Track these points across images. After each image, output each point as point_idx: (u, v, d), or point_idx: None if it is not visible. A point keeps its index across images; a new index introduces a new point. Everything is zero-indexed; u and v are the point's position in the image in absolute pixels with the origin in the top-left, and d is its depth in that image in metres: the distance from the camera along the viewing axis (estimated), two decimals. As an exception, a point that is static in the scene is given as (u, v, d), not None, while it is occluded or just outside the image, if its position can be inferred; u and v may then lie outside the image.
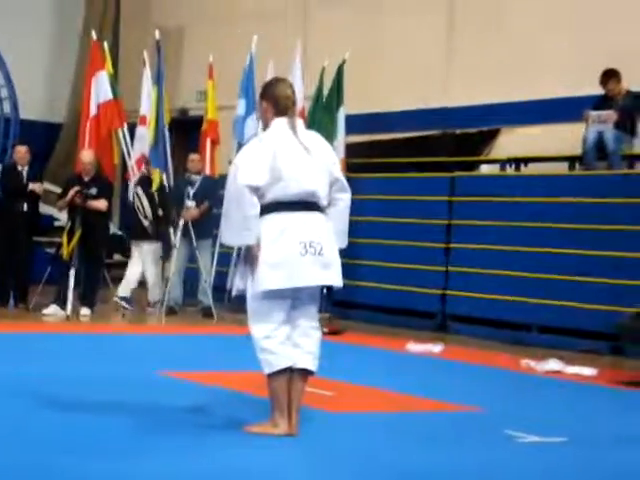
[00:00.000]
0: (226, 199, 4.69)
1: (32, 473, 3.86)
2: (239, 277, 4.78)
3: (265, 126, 4.85)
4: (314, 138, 4.83)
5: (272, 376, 4.65)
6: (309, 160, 4.68)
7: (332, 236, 4.73)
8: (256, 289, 4.62)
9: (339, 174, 4.83)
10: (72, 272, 9.57)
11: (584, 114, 9.51)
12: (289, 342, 4.67)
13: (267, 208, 4.62)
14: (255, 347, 4.68)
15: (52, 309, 9.71)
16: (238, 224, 4.61)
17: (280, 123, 4.74)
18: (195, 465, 4.11)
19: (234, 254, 10.68)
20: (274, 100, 4.75)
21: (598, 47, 10.04)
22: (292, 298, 4.67)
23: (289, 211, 4.62)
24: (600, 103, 9.59)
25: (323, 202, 4.73)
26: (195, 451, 4.36)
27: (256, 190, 4.57)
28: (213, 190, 10.63)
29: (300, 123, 4.78)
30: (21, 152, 10.49)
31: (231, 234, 4.73)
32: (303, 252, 4.58)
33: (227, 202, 4.69)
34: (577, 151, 9.73)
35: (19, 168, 10.41)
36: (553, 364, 7.62)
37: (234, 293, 4.90)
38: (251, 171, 4.58)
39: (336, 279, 4.74)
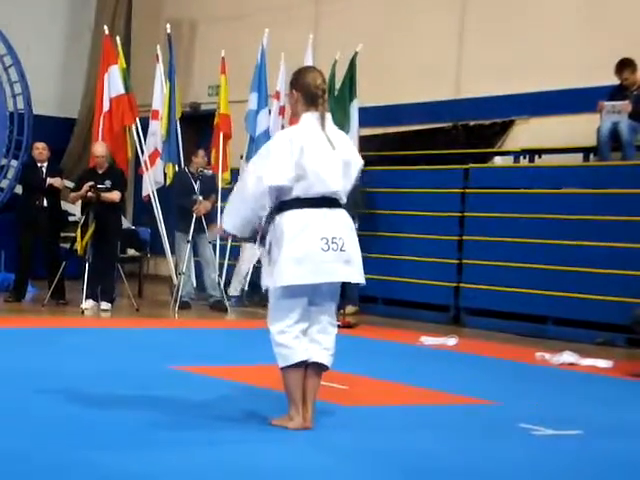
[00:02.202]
0: (240, 190, 4.68)
1: (50, 467, 3.87)
2: (264, 274, 4.75)
3: (294, 114, 4.84)
4: (341, 136, 4.81)
5: (286, 370, 4.66)
6: (334, 158, 4.66)
7: (354, 232, 4.73)
8: (277, 284, 4.61)
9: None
10: (86, 267, 9.64)
11: (598, 105, 9.46)
12: (305, 337, 4.68)
13: (289, 204, 4.61)
14: (271, 341, 4.70)
15: (89, 303, 9.80)
16: (245, 218, 4.66)
17: (309, 118, 4.71)
18: (208, 459, 4.11)
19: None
20: (304, 89, 4.72)
21: (613, 37, 9.99)
22: (311, 294, 4.67)
23: (311, 207, 4.61)
24: (615, 94, 9.53)
25: (345, 199, 4.74)
26: (209, 445, 4.35)
27: (280, 190, 4.56)
28: (215, 184, 10.79)
29: (329, 118, 4.75)
30: (39, 148, 10.54)
31: (234, 224, 4.76)
32: (325, 248, 4.57)
33: (240, 193, 4.68)
34: (591, 142, 9.68)
35: (38, 164, 10.48)
36: (568, 357, 7.59)
37: (264, 289, 4.83)
38: (277, 171, 4.55)
39: (357, 276, 4.73)
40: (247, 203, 4.64)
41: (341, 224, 4.66)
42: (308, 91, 4.71)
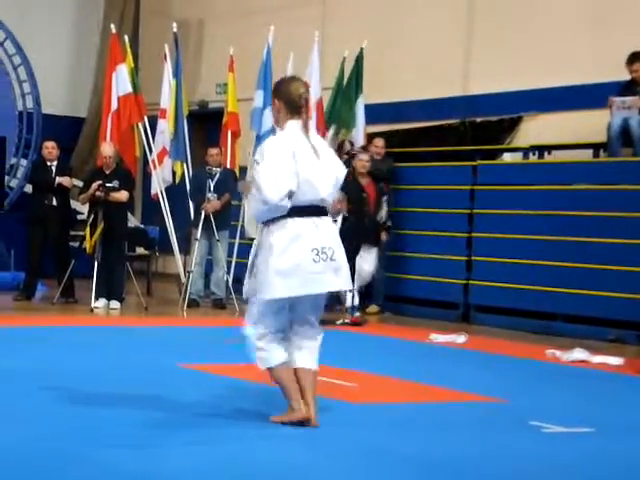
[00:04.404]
0: (254, 208, 4.70)
1: (53, 464, 3.87)
2: (247, 283, 4.77)
3: (276, 123, 4.85)
4: (324, 145, 4.82)
5: (270, 370, 4.71)
6: (320, 166, 4.67)
7: (339, 240, 4.75)
8: (265, 296, 4.60)
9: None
10: (95, 265, 9.65)
11: (608, 101, 9.41)
12: (284, 341, 4.70)
13: None
14: (249, 344, 4.74)
15: (101, 302, 9.83)
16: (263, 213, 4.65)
17: (294, 126, 4.70)
18: (214, 457, 4.09)
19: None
20: (287, 98, 4.72)
21: (622, 33, 9.93)
22: (295, 302, 4.67)
23: (301, 217, 4.61)
24: (625, 89, 9.48)
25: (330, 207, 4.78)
26: (216, 443, 4.34)
27: (290, 195, 4.55)
28: (233, 182, 10.67)
29: (312, 126, 4.76)
30: (48, 147, 10.58)
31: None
32: (316, 259, 4.59)
33: (255, 210, 4.69)
34: (602, 138, 9.63)
35: (48, 163, 10.51)
36: (578, 354, 7.54)
37: (244, 297, 4.90)
38: (279, 184, 4.52)
39: (346, 283, 4.77)
40: (263, 206, 4.61)
41: (330, 233, 4.70)
42: (290, 100, 4.71)
